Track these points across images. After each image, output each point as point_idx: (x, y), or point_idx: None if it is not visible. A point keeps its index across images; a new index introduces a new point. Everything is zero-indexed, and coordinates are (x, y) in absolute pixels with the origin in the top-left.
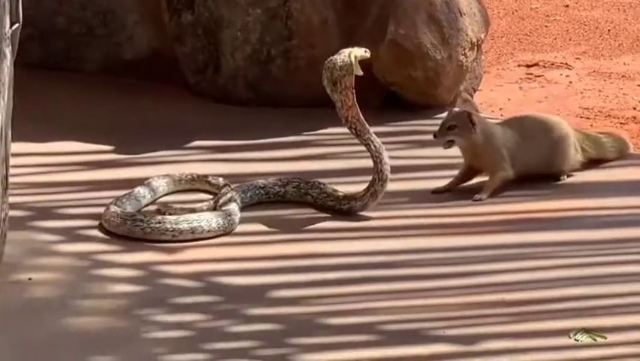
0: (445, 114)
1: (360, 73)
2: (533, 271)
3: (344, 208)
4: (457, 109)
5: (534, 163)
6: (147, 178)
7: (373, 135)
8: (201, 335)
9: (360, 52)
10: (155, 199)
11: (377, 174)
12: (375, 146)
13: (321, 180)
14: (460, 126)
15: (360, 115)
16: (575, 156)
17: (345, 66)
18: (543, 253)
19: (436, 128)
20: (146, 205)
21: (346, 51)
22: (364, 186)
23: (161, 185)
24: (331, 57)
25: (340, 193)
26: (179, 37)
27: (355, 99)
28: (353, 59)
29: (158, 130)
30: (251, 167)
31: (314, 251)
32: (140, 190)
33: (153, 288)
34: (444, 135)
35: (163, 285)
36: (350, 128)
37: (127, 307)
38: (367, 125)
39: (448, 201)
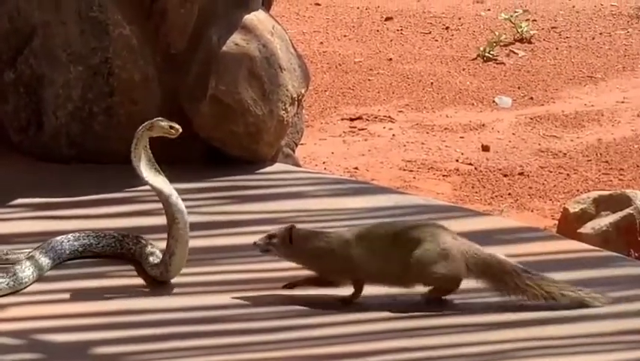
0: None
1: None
2: (351, 325)
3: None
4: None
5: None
6: None
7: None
8: None
9: (163, 123)
10: None
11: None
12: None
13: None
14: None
15: None
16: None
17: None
18: (358, 307)
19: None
20: None
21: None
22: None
23: None
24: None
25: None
26: (2, 95)
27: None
28: (144, 128)
29: None
30: (73, 224)
31: (135, 307)
32: None
33: None
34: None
35: None
36: None
37: None
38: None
39: (267, 256)
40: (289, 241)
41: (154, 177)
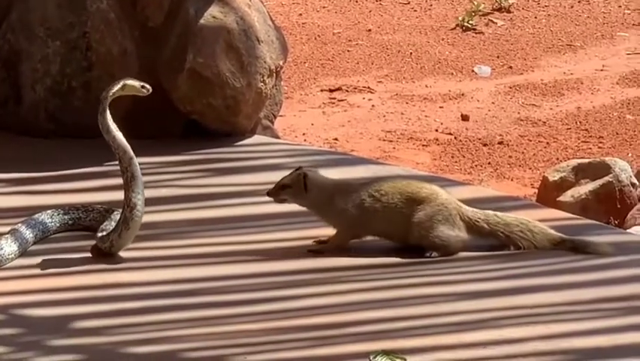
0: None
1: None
2: (331, 296)
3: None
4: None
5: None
6: None
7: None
8: None
9: (135, 83)
10: None
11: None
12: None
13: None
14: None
15: None
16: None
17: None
18: (340, 278)
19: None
20: None
21: (122, 80)
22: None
23: None
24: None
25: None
26: None
27: None
28: (118, 88)
29: None
30: (54, 199)
31: (113, 281)
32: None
33: None
34: (277, 195)
35: None
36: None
37: None
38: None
39: (245, 229)
40: (304, 190)
41: (121, 137)
